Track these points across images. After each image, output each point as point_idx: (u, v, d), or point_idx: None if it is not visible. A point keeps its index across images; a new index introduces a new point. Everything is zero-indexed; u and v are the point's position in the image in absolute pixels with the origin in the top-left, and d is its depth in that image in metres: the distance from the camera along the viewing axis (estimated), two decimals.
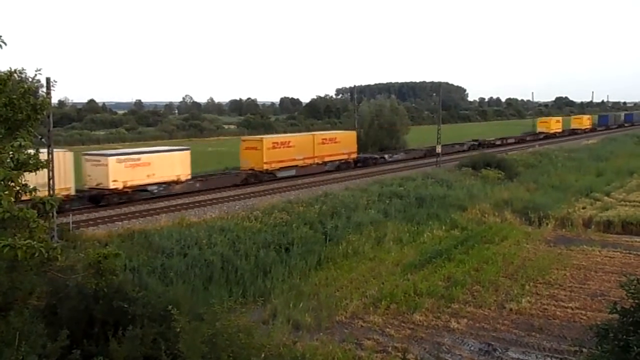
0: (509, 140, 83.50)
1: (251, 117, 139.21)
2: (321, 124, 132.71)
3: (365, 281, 25.52)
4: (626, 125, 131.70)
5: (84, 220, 31.31)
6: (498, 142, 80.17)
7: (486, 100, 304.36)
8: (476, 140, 77.09)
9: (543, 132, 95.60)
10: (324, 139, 53.13)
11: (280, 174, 47.47)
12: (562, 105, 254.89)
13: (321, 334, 19.75)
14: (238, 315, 13.86)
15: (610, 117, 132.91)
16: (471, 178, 49.72)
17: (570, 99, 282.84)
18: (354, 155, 56.52)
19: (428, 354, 18.22)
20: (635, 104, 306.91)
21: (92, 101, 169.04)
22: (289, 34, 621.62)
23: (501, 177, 50.87)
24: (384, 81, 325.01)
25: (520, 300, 22.73)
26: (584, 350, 14.14)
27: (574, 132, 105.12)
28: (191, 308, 14.77)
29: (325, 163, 52.55)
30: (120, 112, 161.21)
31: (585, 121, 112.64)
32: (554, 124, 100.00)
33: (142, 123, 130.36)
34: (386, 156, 62.23)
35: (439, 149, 57.76)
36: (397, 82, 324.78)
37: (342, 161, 54.48)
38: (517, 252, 29.99)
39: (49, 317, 13.50)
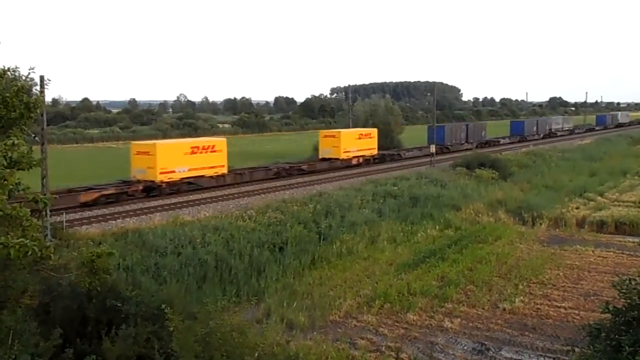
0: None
1: (246, 116, 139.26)
2: (315, 124, 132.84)
3: (359, 281, 25.54)
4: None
5: (78, 219, 31.20)
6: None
7: (480, 100, 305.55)
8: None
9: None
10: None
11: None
12: (557, 105, 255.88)
13: (315, 333, 19.75)
14: (232, 314, 13.86)
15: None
16: (465, 178, 49.76)
17: (565, 99, 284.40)
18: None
19: (421, 354, 18.25)
20: (628, 104, 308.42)
21: (86, 100, 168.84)
22: (284, 33, 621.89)
23: (495, 177, 50.95)
24: (379, 81, 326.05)
25: (514, 300, 22.79)
26: (576, 349, 14.18)
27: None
28: (185, 307, 14.76)
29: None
30: (115, 110, 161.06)
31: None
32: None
33: (136, 122, 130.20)
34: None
35: (432, 149, 57.86)
36: (391, 82, 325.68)
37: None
38: (511, 252, 30.07)
39: (41, 316, 13.47)
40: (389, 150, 65.04)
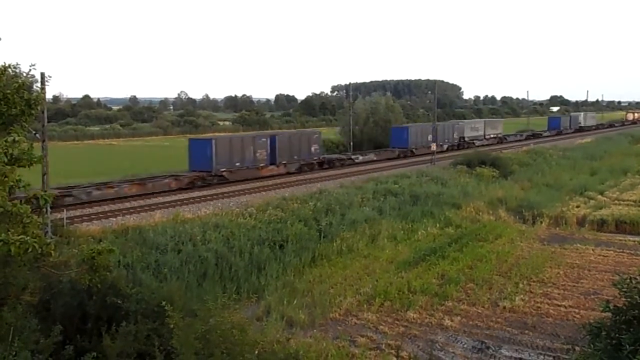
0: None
1: (246, 113, 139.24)
2: (316, 121, 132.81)
3: (359, 278, 25.54)
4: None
5: (78, 216, 31.21)
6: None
7: (481, 98, 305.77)
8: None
9: None
10: None
11: None
12: (557, 104, 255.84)
13: (315, 331, 19.76)
14: (232, 311, 13.83)
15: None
16: (466, 176, 49.77)
17: (566, 97, 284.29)
18: None
19: (421, 352, 18.24)
20: (629, 103, 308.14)
21: (86, 97, 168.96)
22: (285, 30, 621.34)
23: (495, 175, 50.97)
24: (380, 78, 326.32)
25: (514, 298, 22.79)
26: (576, 348, 14.20)
27: None
28: (185, 304, 14.74)
29: None
30: (115, 107, 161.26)
31: None
32: None
33: (136, 119, 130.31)
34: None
35: (433, 147, 57.88)
36: (392, 80, 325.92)
37: None
38: (511, 251, 30.06)
39: (42, 313, 13.47)
40: (340, 154, 59.90)
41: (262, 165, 46.52)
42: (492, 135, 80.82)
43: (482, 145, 74.37)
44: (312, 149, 51.98)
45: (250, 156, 45.50)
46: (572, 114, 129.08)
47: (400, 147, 63.33)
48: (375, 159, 60.22)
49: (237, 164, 44.31)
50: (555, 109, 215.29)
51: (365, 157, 59.60)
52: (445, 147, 67.86)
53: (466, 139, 74.62)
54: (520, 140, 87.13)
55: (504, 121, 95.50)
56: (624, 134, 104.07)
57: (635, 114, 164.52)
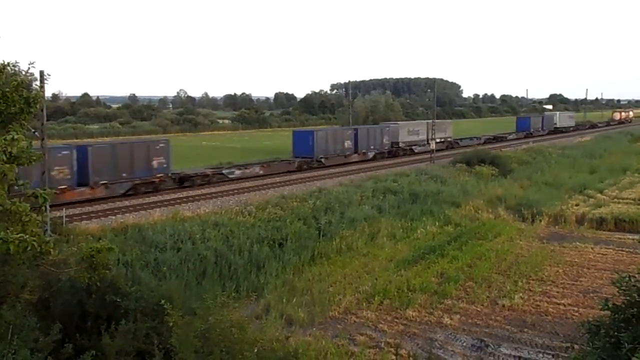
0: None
1: (246, 112, 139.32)
2: (316, 120, 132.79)
3: (358, 277, 25.54)
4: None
5: (77, 214, 31.21)
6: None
7: (480, 96, 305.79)
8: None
9: None
10: None
11: None
12: (557, 102, 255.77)
13: (314, 329, 19.76)
14: (231, 310, 13.85)
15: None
16: (465, 174, 49.80)
17: (565, 96, 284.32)
18: None
19: (421, 350, 18.25)
20: (629, 101, 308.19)
21: (86, 95, 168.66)
22: (284, 29, 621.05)
23: (495, 173, 50.98)
24: (379, 77, 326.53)
25: (513, 297, 22.80)
26: (575, 346, 14.18)
27: None
28: (184, 303, 14.74)
29: None
30: (115, 106, 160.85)
31: None
32: None
33: (136, 117, 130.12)
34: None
35: (433, 145, 57.87)
36: (392, 78, 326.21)
37: None
38: (510, 249, 30.06)
39: (41, 311, 13.46)
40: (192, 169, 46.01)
41: (348, 153, 56.90)
42: (438, 140, 65.49)
43: (423, 152, 64.54)
44: (384, 139, 61.67)
45: (340, 146, 55.95)
46: (545, 113, 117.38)
47: (304, 156, 52.64)
48: (261, 173, 47.98)
49: (331, 152, 54.83)
50: (549, 107, 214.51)
51: (246, 172, 47.00)
52: (370, 155, 59.40)
53: (401, 144, 64.62)
54: (470, 146, 70.36)
55: (452, 122, 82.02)
56: (623, 132, 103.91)
57: (623, 114, 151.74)
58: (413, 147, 66.22)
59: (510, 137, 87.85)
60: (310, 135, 54.24)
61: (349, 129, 58.62)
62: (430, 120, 65.29)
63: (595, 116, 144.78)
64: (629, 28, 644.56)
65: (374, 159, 59.47)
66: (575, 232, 34.31)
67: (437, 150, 60.51)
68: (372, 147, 60.19)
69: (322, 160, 53.57)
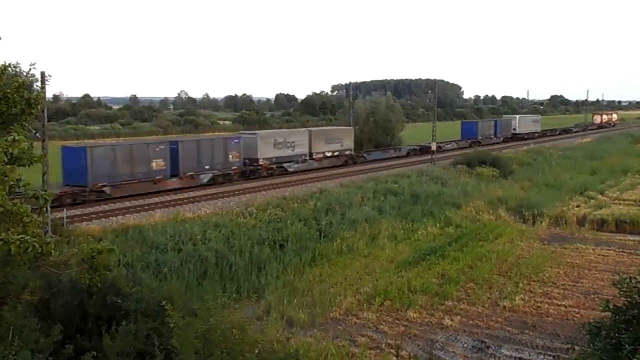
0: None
1: (246, 113, 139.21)
2: (316, 121, 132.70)
3: (359, 278, 25.54)
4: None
5: (78, 215, 31.21)
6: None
7: (481, 98, 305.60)
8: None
9: None
10: None
11: None
12: (557, 104, 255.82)
13: (315, 330, 19.77)
14: (232, 311, 13.85)
15: None
16: (466, 176, 49.80)
17: (566, 97, 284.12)
18: None
19: (421, 351, 18.25)
20: (630, 102, 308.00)
21: (87, 96, 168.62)
22: (285, 30, 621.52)
23: (496, 175, 50.98)
24: (380, 78, 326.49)
25: (514, 298, 22.80)
26: (576, 348, 14.16)
27: None
28: (185, 304, 14.73)
29: None
30: (116, 107, 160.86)
31: None
32: None
33: (137, 118, 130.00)
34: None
35: (433, 147, 57.85)
36: (392, 79, 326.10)
37: None
38: (511, 250, 30.06)
39: (42, 312, 13.45)
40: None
41: (159, 177, 39.14)
42: (328, 154, 53.91)
43: (297, 171, 49.64)
44: (230, 156, 44.38)
45: (144, 167, 38.40)
46: (503, 117, 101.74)
47: (75, 184, 35.24)
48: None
49: (125, 176, 37.13)
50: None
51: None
52: (204, 178, 42.30)
53: (262, 161, 47.18)
54: (385, 159, 60.52)
55: (352, 130, 59.76)
56: (624, 133, 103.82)
57: (605, 117, 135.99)
58: (285, 165, 49.45)
59: (448, 146, 71.35)
60: (82, 152, 35.70)
61: (161, 143, 41.27)
62: (316, 129, 55.34)
63: (579, 119, 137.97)
64: (630, 29, 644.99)
65: (212, 183, 42.41)
66: (576, 234, 34.31)
67: (307, 170, 49.45)
68: (206, 167, 42.42)
69: (106, 189, 35.68)
